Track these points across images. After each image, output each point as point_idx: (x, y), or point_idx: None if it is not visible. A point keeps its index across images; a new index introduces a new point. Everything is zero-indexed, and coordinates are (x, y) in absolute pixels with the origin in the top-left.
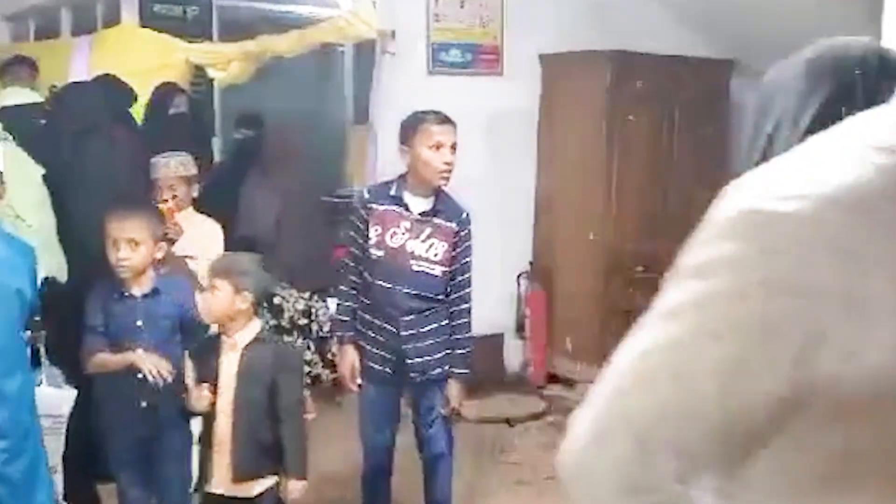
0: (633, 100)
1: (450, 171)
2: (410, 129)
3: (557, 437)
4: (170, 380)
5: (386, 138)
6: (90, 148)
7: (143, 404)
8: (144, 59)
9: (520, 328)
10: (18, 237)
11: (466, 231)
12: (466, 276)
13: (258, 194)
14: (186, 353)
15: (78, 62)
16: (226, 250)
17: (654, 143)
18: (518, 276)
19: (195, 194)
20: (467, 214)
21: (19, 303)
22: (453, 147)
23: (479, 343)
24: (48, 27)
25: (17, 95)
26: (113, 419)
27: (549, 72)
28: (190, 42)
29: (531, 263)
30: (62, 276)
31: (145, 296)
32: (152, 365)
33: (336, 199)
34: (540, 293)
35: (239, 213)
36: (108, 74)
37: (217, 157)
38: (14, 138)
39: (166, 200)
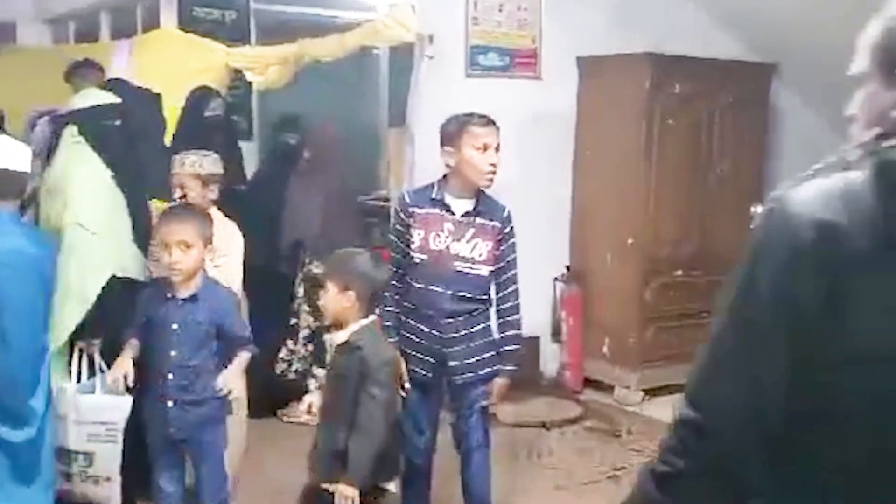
0: (673, 103)
1: (494, 173)
2: (455, 130)
3: (594, 442)
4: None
5: (423, 141)
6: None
7: (170, 403)
8: (185, 63)
9: (556, 332)
10: (39, 233)
11: (510, 228)
12: (513, 272)
13: (297, 198)
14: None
15: (118, 65)
16: (264, 255)
17: (694, 147)
18: (554, 280)
19: (213, 195)
20: (509, 212)
21: (47, 296)
22: (497, 149)
23: (520, 356)
24: (88, 30)
25: (92, 97)
26: (147, 417)
27: (587, 75)
28: (228, 46)
29: (567, 267)
30: (140, 276)
31: (184, 300)
32: (111, 378)
33: (371, 202)
34: (576, 297)
35: (280, 217)
36: (118, 79)
37: (256, 162)
38: (88, 140)
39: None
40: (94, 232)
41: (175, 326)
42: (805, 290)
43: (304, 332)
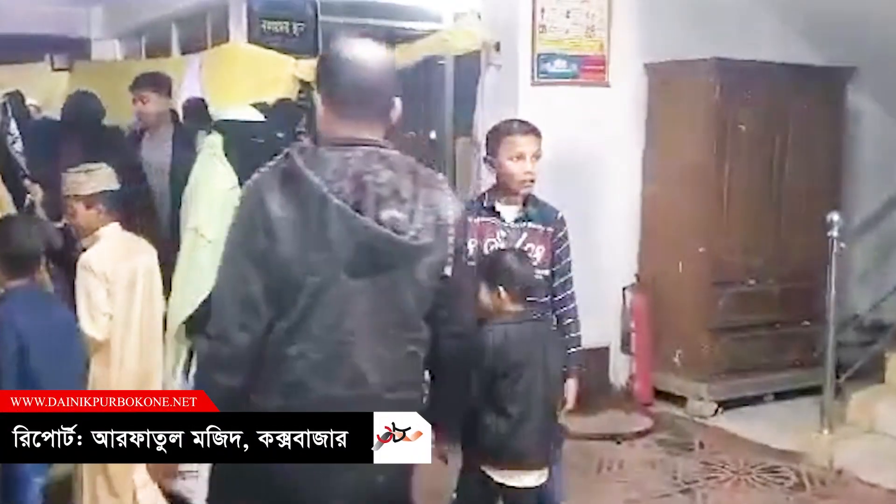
0: (744, 109)
1: (532, 181)
2: (495, 140)
3: (665, 455)
4: None
5: None
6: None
7: None
8: (254, 75)
9: (625, 342)
10: None
11: (563, 232)
12: (568, 276)
13: None
14: None
15: (191, 78)
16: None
17: (767, 153)
18: (623, 289)
19: (101, 215)
20: (562, 216)
21: None
22: (535, 156)
23: (584, 356)
24: (158, 45)
25: (240, 111)
26: None
27: (657, 81)
28: (296, 58)
29: (637, 276)
30: None
31: None
32: None
33: None
34: (646, 306)
35: None
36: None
37: None
38: (228, 153)
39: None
40: (209, 239)
41: None
42: (254, 237)
43: None
